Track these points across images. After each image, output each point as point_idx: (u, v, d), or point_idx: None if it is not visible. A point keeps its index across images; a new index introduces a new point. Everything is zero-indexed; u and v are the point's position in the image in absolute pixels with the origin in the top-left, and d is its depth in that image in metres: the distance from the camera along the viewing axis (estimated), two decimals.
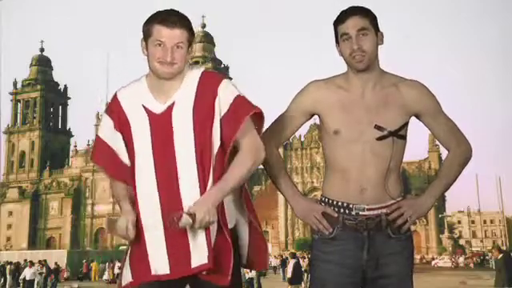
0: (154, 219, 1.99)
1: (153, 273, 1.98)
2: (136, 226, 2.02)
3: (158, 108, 2.01)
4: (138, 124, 2.02)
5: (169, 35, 1.96)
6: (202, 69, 2.11)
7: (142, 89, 2.06)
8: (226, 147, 2.01)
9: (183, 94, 2.02)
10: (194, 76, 2.05)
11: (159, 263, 1.98)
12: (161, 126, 1.99)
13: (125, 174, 2.06)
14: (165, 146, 1.98)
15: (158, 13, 1.99)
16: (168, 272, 1.98)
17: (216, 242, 1.98)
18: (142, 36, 2.02)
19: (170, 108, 2.00)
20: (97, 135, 2.13)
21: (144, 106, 2.02)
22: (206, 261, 1.95)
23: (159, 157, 1.98)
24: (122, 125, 2.05)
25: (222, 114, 2.00)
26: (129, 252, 2.08)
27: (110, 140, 2.07)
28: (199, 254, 1.96)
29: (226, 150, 2.01)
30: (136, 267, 2.02)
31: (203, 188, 1.96)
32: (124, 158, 2.05)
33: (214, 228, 1.98)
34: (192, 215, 1.88)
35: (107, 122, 2.09)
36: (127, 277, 2.04)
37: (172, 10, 2.00)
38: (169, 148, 1.98)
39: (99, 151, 2.13)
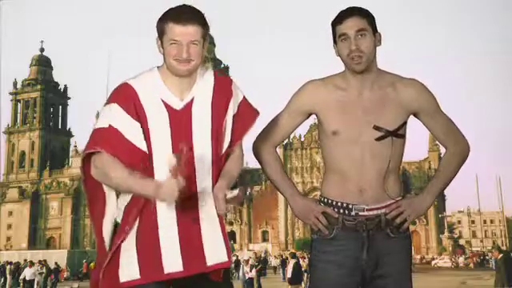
0: (169, 215, 1.92)
1: (165, 272, 1.91)
2: (149, 221, 1.94)
3: (177, 104, 1.99)
4: (156, 118, 1.95)
5: (182, 33, 1.91)
6: (210, 69, 2.13)
7: (157, 82, 2.00)
8: (233, 144, 2.05)
9: (201, 92, 2.02)
10: (208, 74, 2.06)
11: (172, 259, 1.92)
12: (180, 121, 1.97)
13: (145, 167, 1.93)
14: (183, 140, 1.95)
15: (171, 10, 1.94)
16: (181, 269, 1.92)
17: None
18: (156, 34, 1.98)
19: (190, 104, 2.00)
20: (108, 125, 1.94)
21: (163, 101, 1.98)
22: (226, 258, 1.96)
23: (177, 151, 1.93)
24: (139, 116, 1.95)
25: (234, 113, 2.05)
26: (130, 244, 1.93)
27: (126, 130, 1.94)
28: (215, 250, 1.96)
29: (232, 146, 2.04)
30: (146, 264, 1.92)
31: (215, 183, 1.97)
32: (143, 147, 1.93)
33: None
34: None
35: (119, 111, 1.94)
36: (130, 272, 1.92)
37: (185, 6, 1.95)
38: (187, 143, 1.95)
39: (111, 140, 1.92)
